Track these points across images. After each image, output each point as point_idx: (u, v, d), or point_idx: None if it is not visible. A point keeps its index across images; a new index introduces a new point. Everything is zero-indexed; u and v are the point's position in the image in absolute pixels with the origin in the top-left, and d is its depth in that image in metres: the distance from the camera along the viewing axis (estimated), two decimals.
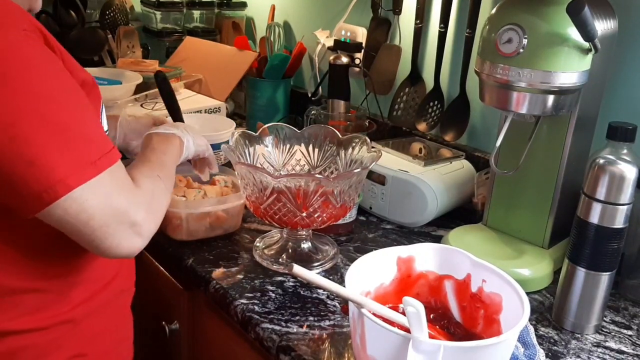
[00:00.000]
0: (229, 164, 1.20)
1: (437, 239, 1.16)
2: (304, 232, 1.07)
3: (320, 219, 0.99)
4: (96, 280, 0.86)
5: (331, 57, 1.36)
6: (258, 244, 1.09)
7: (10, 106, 0.67)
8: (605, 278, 0.89)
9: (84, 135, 0.72)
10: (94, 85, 0.82)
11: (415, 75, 1.45)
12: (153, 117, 1.13)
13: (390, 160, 1.24)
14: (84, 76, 0.80)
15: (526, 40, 0.90)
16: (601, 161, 0.86)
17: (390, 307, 0.73)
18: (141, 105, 1.47)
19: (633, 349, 0.89)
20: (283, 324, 0.89)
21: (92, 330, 0.87)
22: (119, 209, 0.73)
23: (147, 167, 0.88)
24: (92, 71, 1.62)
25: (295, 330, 0.88)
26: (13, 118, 0.67)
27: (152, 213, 0.78)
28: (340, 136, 1.09)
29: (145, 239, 0.77)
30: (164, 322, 1.14)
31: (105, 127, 0.85)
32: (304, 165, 1.12)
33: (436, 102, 1.41)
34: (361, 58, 1.51)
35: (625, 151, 0.97)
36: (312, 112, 1.38)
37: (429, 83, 1.42)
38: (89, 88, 0.80)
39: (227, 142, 1.05)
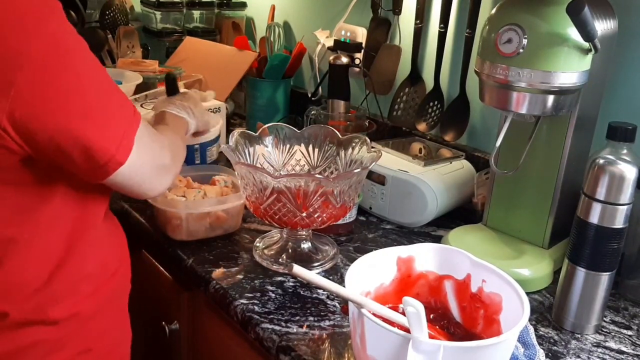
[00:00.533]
0: (229, 164, 1.20)
1: (437, 239, 1.16)
2: (304, 232, 1.07)
3: (320, 219, 0.99)
4: (99, 274, 0.88)
5: (331, 57, 1.36)
6: (258, 244, 1.09)
7: (63, 92, 0.72)
8: (605, 278, 0.89)
9: (118, 107, 0.78)
10: None
11: (415, 75, 1.45)
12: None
13: (390, 160, 1.24)
14: None
15: (526, 40, 0.90)
16: (601, 161, 0.86)
17: (390, 307, 0.73)
18: (141, 106, 1.47)
19: (633, 349, 0.89)
20: (283, 324, 0.89)
21: (98, 327, 0.88)
22: (155, 158, 0.84)
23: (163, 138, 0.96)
24: None
25: (295, 330, 0.88)
26: (69, 104, 0.72)
27: (175, 155, 0.91)
28: (340, 136, 1.09)
29: (173, 176, 0.90)
30: (164, 322, 1.14)
31: None
32: (304, 165, 1.12)
33: (436, 102, 1.41)
34: (361, 58, 1.51)
35: (625, 151, 0.97)
36: (312, 112, 1.38)
37: (429, 83, 1.42)
38: None
39: (217, 139, 1.06)
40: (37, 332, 0.82)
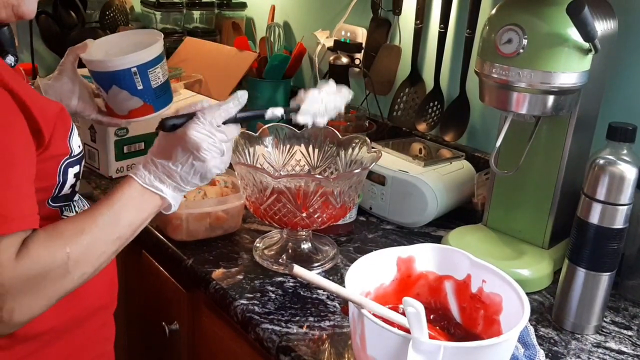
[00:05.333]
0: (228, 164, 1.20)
1: (437, 239, 1.16)
2: (304, 233, 1.07)
3: (320, 219, 0.99)
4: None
5: (331, 58, 1.36)
6: (258, 245, 1.09)
7: None
8: (605, 278, 0.89)
9: None
10: (62, 110, 0.78)
11: (415, 76, 1.45)
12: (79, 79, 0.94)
13: (390, 161, 1.24)
14: (53, 107, 0.76)
15: (526, 40, 0.90)
16: (601, 161, 0.86)
17: (390, 308, 0.73)
18: None
19: (633, 350, 0.89)
20: (283, 324, 0.89)
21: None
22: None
23: (65, 236, 0.70)
24: None
25: (295, 330, 0.88)
26: None
27: (28, 295, 0.66)
28: (340, 136, 1.09)
29: (11, 326, 0.66)
30: (164, 322, 1.14)
31: (79, 143, 0.81)
32: (304, 165, 1.12)
33: (436, 103, 1.41)
34: (361, 58, 1.51)
35: (625, 151, 0.97)
36: None
37: (429, 83, 1.42)
38: (59, 114, 0.76)
39: (159, 58, 0.93)
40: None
